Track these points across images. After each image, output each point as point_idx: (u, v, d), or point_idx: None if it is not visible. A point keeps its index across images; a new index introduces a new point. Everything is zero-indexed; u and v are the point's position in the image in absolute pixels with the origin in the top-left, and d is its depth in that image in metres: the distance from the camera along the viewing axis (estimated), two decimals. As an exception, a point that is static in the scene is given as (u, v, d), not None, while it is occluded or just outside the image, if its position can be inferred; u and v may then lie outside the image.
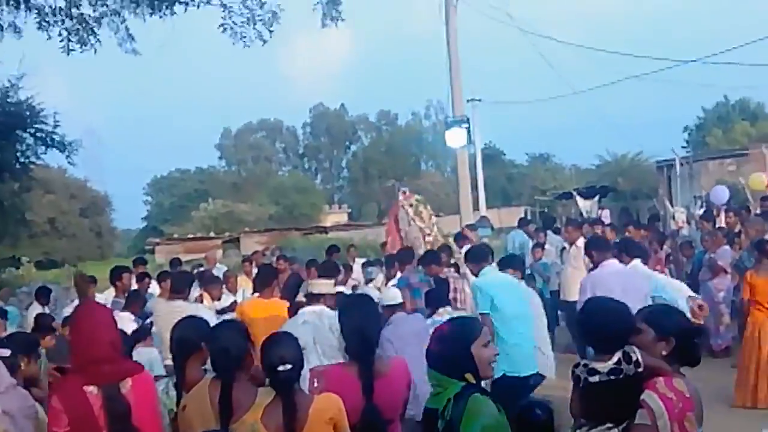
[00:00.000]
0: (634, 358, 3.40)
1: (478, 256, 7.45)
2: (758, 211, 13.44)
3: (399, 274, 9.17)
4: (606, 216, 22.26)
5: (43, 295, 11.72)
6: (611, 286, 6.44)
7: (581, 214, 25.27)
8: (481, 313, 6.64)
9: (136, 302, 8.19)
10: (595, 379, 3.47)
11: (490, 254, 7.67)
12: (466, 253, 8.43)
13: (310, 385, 3.92)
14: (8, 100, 16.36)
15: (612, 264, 7.26)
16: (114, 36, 12.06)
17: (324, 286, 6.28)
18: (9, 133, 16.37)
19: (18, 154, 17.09)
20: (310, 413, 3.49)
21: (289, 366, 3.49)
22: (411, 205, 13.79)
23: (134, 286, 10.09)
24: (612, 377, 3.43)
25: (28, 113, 16.61)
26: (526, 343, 6.80)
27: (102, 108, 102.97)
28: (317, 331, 5.76)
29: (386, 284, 9.90)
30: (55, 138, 17.25)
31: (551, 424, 3.71)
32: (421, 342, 3.93)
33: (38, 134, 17.08)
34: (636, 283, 6.98)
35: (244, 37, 11.51)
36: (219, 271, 12.76)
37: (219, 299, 9.69)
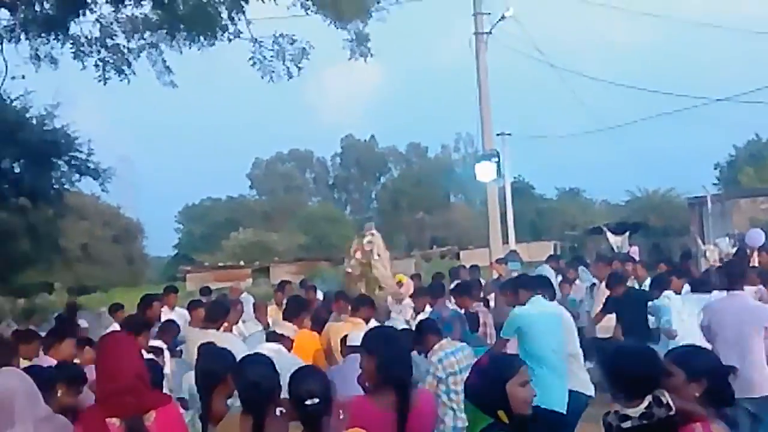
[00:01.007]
0: (664, 401, 3.33)
1: (528, 284, 7.37)
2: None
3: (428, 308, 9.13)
4: (635, 252, 22.06)
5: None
6: None
7: (612, 249, 25.07)
8: (500, 338, 6.64)
9: (169, 332, 8.17)
10: (628, 424, 3.40)
11: (539, 284, 7.57)
12: (515, 279, 8.37)
13: (335, 416, 3.83)
14: (44, 128, 16.66)
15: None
16: (152, 68, 12.30)
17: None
18: (44, 161, 16.65)
19: (53, 181, 17.37)
20: None
21: (317, 400, 3.44)
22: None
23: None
24: (645, 422, 3.35)
25: (63, 141, 16.91)
26: (557, 376, 6.74)
27: (136, 136, 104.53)
28: None
29: (415, 317, 9.87)
30: (89, 165, 17.53)
31: None
32: None
33: (73, 162, 17.36)
34: None
35: (273, 71, 11.69)
36: (248, 301, 12.77)
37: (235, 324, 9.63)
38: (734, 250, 15.69)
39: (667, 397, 3.34)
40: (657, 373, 3.47)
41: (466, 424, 3.37)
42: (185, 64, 12.57)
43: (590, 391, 7.11)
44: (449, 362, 5.93)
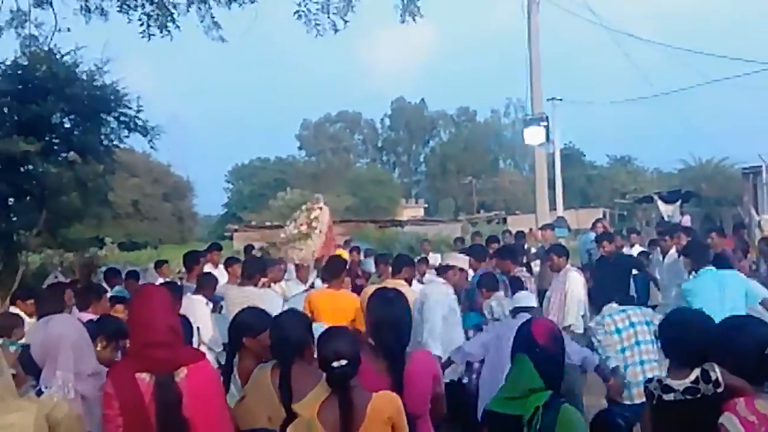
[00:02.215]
0: (713, 377, 3.14)
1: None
2: None
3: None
4: (687, 221, 21.66)
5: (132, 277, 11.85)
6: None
7: (662, 218, 24.65)
8: None
9: (207, 285, 8.17)
10: (670, 397, 3.26)
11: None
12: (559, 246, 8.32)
13: None
14: (94, 83, 16.72)
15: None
16: (200, 24, 12.23)
17: (455, 259, 6.74)
18: (94, 117, 16.72)
19: (102, 137, 17.47)
20: (368, 411, 3.37)
21: (344, 362, 3.36)
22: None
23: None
24: (688, 396, 3.20)
25: (112, 97, 16.94)
26: None
27: (185, 94, 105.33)
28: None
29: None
30: (138, 122, 17.58)
31: None
32: None
33: (122, 118, 17.41)
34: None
35: (318, 24, 11.48)
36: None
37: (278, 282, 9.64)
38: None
39: (717, 372, 3.15)
40: (710, 344, 3.29)
41: None
42: (234, 20, 12.50)
43: None
44: None
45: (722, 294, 6.69)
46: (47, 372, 3.42)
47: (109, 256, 28.50)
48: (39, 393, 3.32)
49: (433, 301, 6.79)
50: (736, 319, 3.54)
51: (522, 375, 3.18)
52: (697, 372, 3.22)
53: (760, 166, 26.54)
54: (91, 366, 3.52)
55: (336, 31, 11.55)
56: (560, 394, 3.14)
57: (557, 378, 3.20)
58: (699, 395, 3.19)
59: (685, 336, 3.38)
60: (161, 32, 11.64)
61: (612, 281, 8.35)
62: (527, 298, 6.57)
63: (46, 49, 15.47)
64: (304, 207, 15.55)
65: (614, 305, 6.33)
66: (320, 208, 15.10)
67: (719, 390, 3.14)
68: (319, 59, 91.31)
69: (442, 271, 6.39)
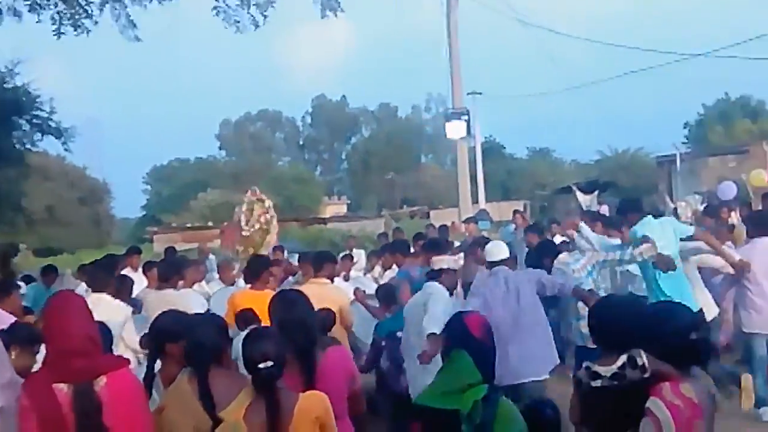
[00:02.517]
0: (640, 363, 3.21)
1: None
2: (759, 208, 13.26)
3: (395, 267, 9.03)
4: (605, 210, 22.08)
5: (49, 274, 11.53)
6: None
7: (581, 208, 25.12)
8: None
9: (123, 288, 7.90)
10: (597, 383, 3.30)
11: None
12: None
13: None
14: (4, 85, 16.24)
15: None
16: (115, 23, 11.93)
17: (445, 262, 6.59)
18: (5, 119, 16.26)
19: (14, 140, 16.99)
20: (295, 412, 3.34)
21: (270, 363, 3.33)
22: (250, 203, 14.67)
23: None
24: (615, 382, 3.24)
25: (24, 99, 16.50)
26: None
27: (101, 96, 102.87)
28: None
29: (383, 274, 9.77)
30: (51, 124, 17.16)
31: (559, 423, 3.52)
32: None
33: (34, 120, 16.98)
34: None
35: (238, 21, 11.40)
36: (212, 262, 12.59)
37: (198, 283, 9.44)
38: (703, 206, 15.73)
39: (643, 358, 3.21)
40: (638, 329, 3.33)
41: None
42: (150, 19, 12.26)
43: None
44: None
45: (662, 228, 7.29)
46: None
47: (24, 263, 27.66)
48: None
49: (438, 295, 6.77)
50: (663, 304, 3.63)
51: (460, 369, 3.14)
52: (623, 358, 3.26)
53: (674, 155, 27.35)
54: (5, 376, 3.35)
55: (256, 27, 11.47)
56: (495, 387, 3.14)
57: (492, 371, 3.20)
58: (626, 381, 3.23)
59: (612, 321, 3.40)
60: (75, 30, 11.31)
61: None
62: (501, 251, 6.89)
63: (-46, 51, 14.94)
64: (246, 200, 15.25)
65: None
66: (264, 199, 14.95)
67: (646, 375, 3.20)
68: (238, 57, 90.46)
69: (434, 276, 6.46)
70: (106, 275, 7.26)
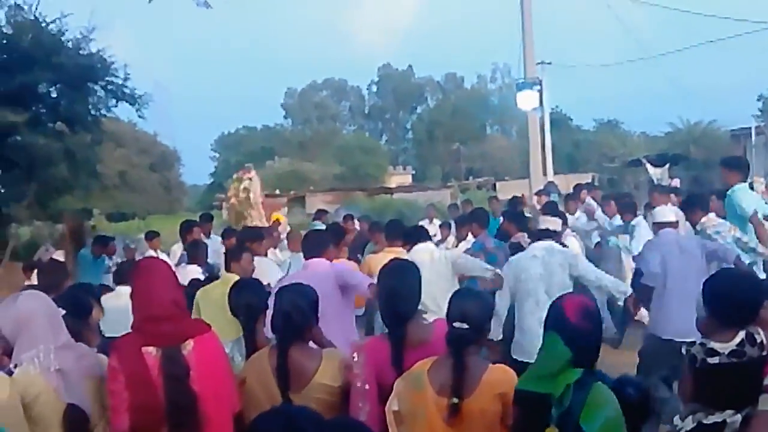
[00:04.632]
0: (758, 340, 3.13)
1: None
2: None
3: (470, 237, 8.94)
4: (677, 184, 21.60)
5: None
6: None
7: (651, 181, 24.61)
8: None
9: (198, 253, 8.00)
10: (715, 360, 3.21)
11: None
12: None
13: (350, 358, 3.63)
14: (80, 52, 16.48)
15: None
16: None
17: (551, 223, 6.62)
18: (81, 86, 16.53)
19: (89, 106, 17.27)
20: (481, 382, 3.26)
21: (466, 326, 3.29)
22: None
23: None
24: (734, 360, 3.15)
25: (99, 66, 16.72)
26: None
27: (172, 63, 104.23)
28: (546, 266, 6.19)
29: (457, 246, 9.68)
30: (125, 91, 17.39)
31: (646, 405, 3.32)
32: None
33: (109, 87, 17.22)
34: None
35: None
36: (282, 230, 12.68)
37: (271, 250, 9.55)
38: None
39: (762, 336, 3.14)
40: (758, 304, 3.25)
41: None
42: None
43: None
44: None
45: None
46: (21, 348, 3.26)
47: (97, 228, 28.36)
48: (9, 373, 3.15)
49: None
50: None
51: (553, 353, 3.06)
52: (742, 335, 3.18)
53: (749, 128, 26.53)
54: (63, 338, 3.40)
55: None
56: (593, 371, 3.03)
57: (591, 356, 3.07)
58: (745, 358, 3.16)
59: (732, 296, 3.31)
60: None
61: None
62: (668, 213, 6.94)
63: (31, 18, 15.23)
64: (234, 176, 16.34)
65: None
66: (250, 179, 15.46)
67: (764, 353, 3.14)
68: (305, 26, 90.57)
69: (545, 235, 6.50)
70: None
